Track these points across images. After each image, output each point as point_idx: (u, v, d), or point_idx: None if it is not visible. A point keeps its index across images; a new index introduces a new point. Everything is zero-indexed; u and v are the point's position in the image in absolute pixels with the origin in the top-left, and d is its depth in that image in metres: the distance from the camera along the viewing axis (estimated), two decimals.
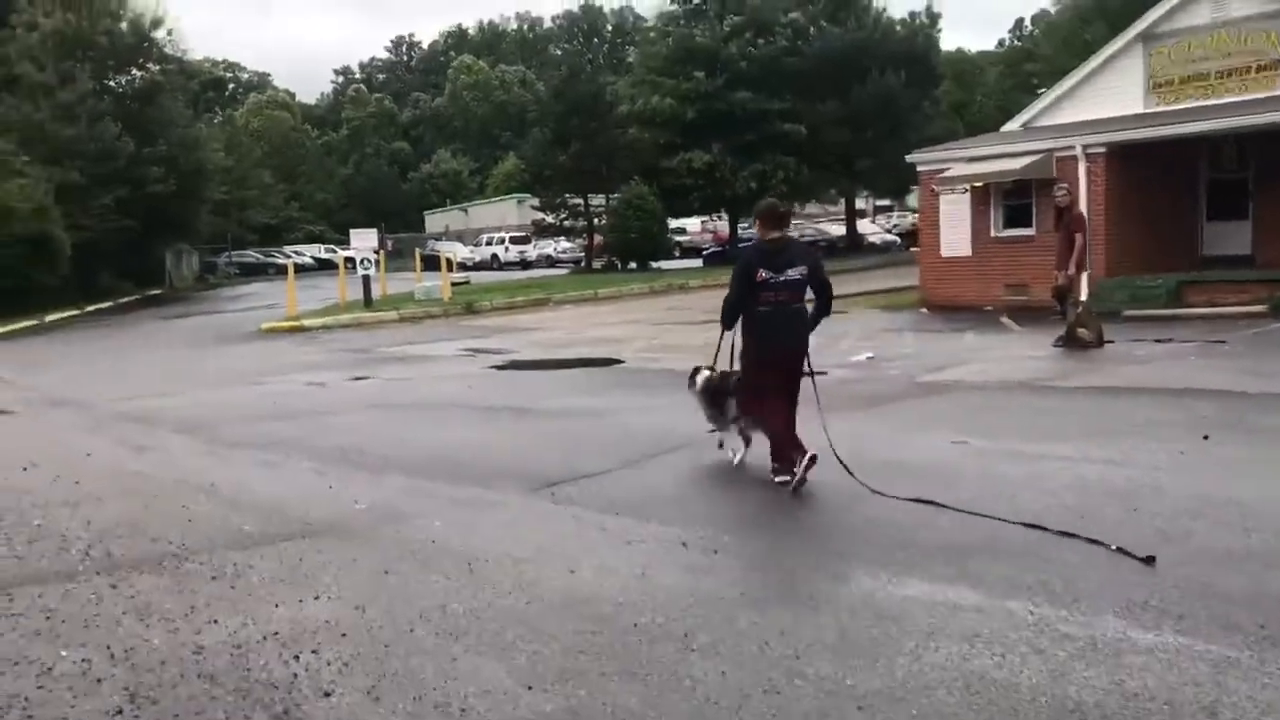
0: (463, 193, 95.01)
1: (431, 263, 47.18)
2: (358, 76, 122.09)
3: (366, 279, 29.60)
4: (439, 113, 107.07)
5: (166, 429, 12.00)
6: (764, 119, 38.39)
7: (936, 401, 11.39)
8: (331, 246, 74.00)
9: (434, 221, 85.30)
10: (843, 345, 16.83)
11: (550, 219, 41.94)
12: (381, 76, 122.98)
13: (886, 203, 66.24)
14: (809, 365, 7.71)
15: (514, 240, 59.75)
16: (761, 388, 7.66)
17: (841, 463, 7.41)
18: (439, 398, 13.51)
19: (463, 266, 51.90)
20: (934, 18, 40.60)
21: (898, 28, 40.86)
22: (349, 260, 33.87)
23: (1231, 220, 21.33)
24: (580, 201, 41.54)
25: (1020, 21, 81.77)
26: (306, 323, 27.08)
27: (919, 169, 23.33)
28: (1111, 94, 21.89)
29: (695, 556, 6.12)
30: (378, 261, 31.30)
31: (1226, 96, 20.41)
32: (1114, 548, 5.71)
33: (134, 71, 47.53)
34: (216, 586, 5.91)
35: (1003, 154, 21.50)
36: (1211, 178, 21.69)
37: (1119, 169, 20.07)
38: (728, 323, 7.82)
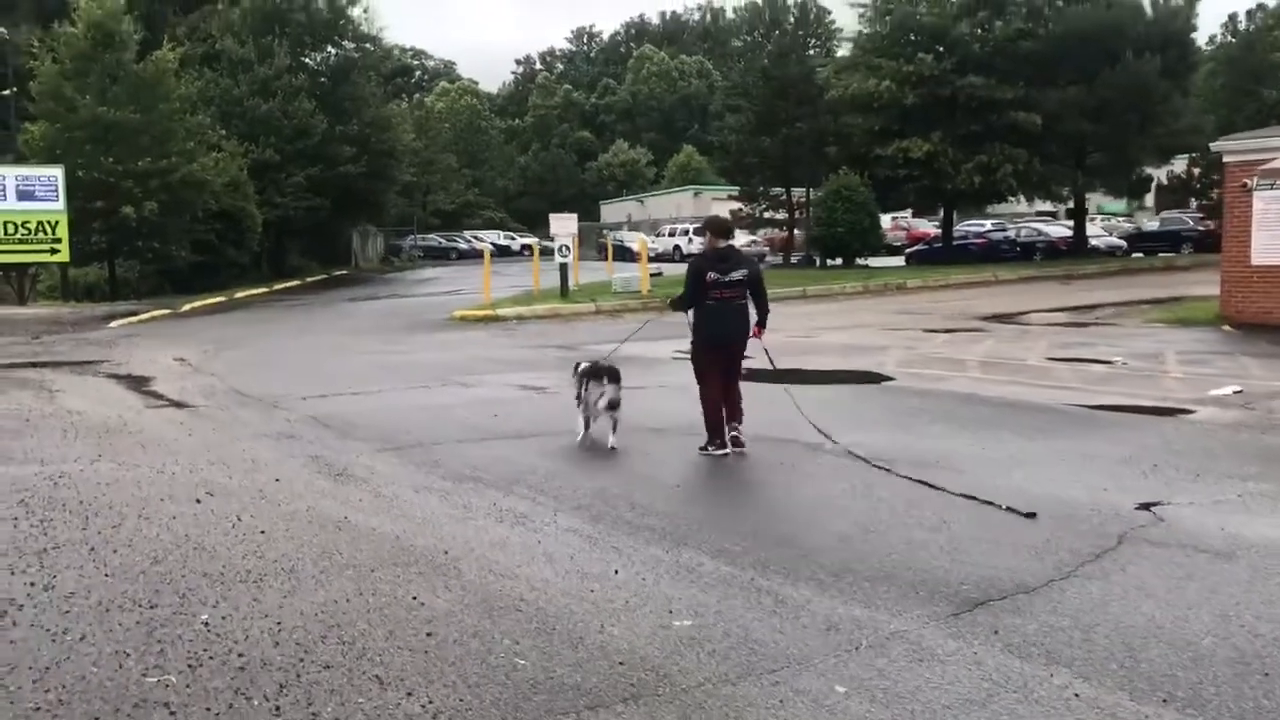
0: (639, 183, 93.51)
1: (614, 252, 45.09)
2: (538, 66, 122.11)
3: (564, 267, 27.44)
4: (621, 102, 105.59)
5: (369, 444, 9.76)
6: (992, 107, 34.61)
7: None
8: (510, 233, 73.29)
9: (609, 211, 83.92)
10: (1172, 371, 13.58)
11: (749, 210, 39.09)
12: (561, 66, 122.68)
13: (1061, 206, 61.34)
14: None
15: (697, 232, 57.27)
16: (703, 369, 9.32)
17: None
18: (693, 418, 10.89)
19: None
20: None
21: (1148, 8, 36.33)
22: (522, 246, 31.69)
23: None
24: (782, 191, 38.58)
25: (1234, 17, 74.61)
26: (501, 312, 25.07)
27: (1225, 159, 19.63)
28: None
29: None
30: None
31: None
32: None
33: (329, 49, 46.88)
34: None
35: None
36: None
37: None
38: (684, 308, 9.53)
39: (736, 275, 9.08)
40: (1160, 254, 41.04)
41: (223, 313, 28.54)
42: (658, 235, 58.66)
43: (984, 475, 7.97)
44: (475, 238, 68.44)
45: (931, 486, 7.62)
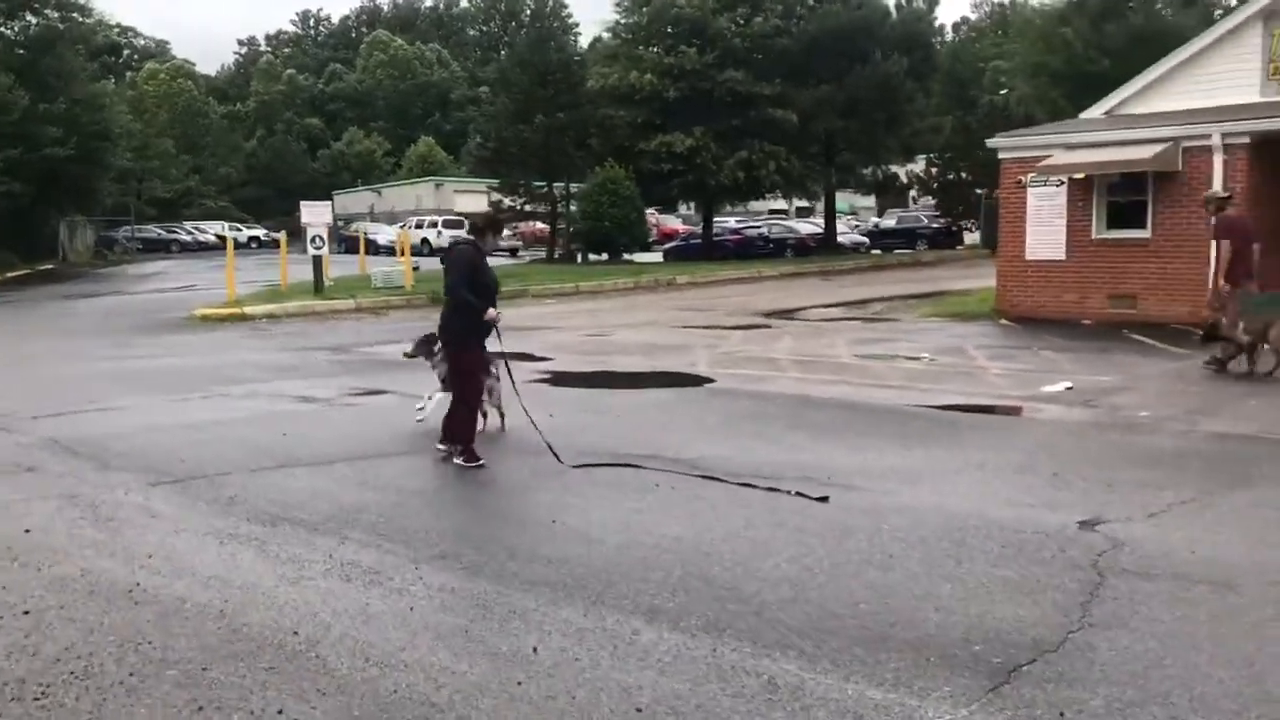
0: (375, 173, 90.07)
1: (352, 245, 42.61)
2: (263, 49, 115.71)
3: (318, 260, 25.16)
4: (353, 90, 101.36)
5: (137, 477, 7.91)
6: (751, 102, 34.74)
7: None
8: (236, 224, 68.53)
9: (346, 202, 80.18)
10: (988, 367, 13.40)
11: (510, 202, 37.66)
12: (288, 50, 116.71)
13: (805, 204, 63.89)
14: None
15: (447, 225, 55.34)
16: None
17: None
18: (524, 432, 9.56)
19: (390, 251, 47.50)
20: (932, 3, 37.34)
21: (892, 10, 37.52)
22: (250, 238, 29.28)
23: None
24: (544, 184, 37.41)
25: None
26: (249, 310, 22.67)
27: (1001, 156, 19.97)
28: (1219, 80, 18.79)
29: None
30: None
31: None
32: None
33: (28, 16, 41.83)
34: None
35: (1113, 142, 18.28)
36: None
37: (1258, 164, 17.02)
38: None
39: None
40: (897, 250, 42.68)
41: None
42: (403, 227, 56.28)
43: (885, 493, 7.12)
44: (198, 229, 63.62)
45: (845, 510, 6.69)
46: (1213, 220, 13.81)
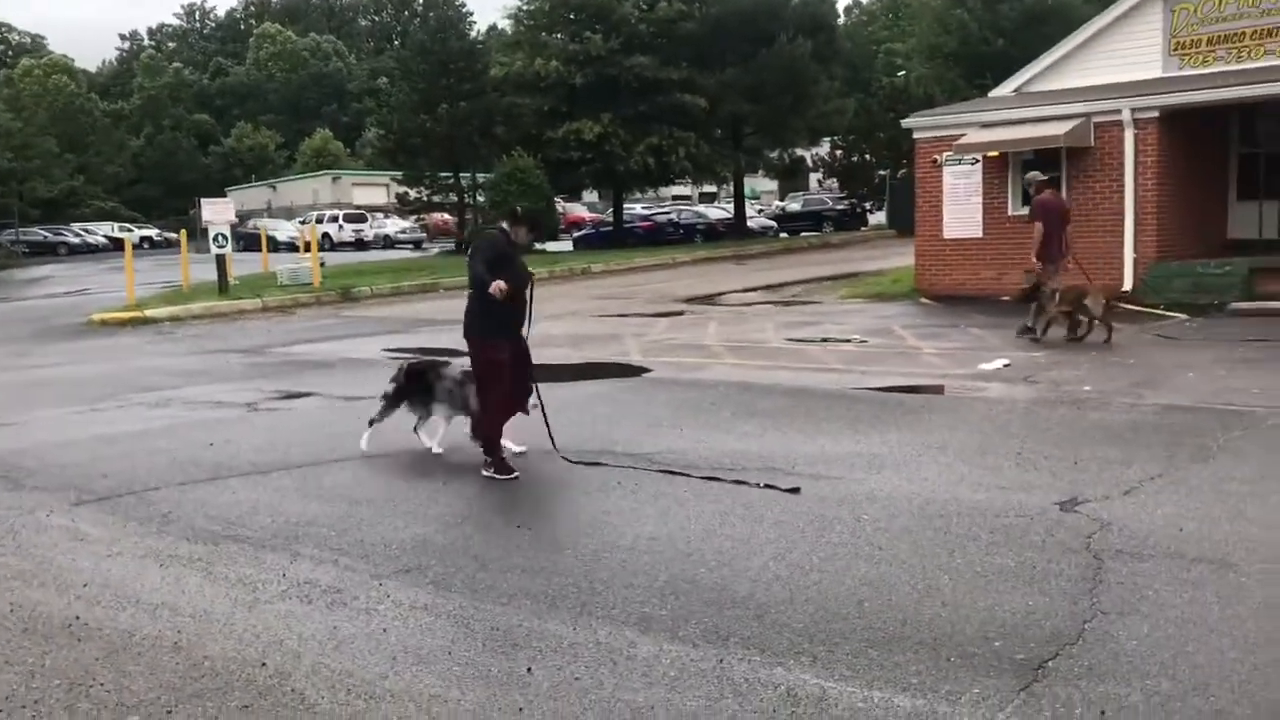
0: (269, 168, 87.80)
1: (251, 242, 41.39)
2: (147, 43, 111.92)
3: (221, 259, 24.19)
4: (243, 84, 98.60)
5: (57, 495, 7.37)
6: (658, 88, 34.49)
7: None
8: (126, 225, 66.21)
9: (240, 198, 77.89)
10: (921, 346, 13.39)
11: (415, 194, 36.83)
12: (173, 44, 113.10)
13: (710, 189, 64.18)
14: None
15: (348, 219, 54.21)
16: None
17: None
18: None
19: (290, 247, 46.37)
20: None
21: None
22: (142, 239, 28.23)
23: (1256, 201, 19.00)
24: (450, 175, 36.65)
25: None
26: (151, 313, 21.72)
27: (915, 136, 20.05)
28: (1124, 56, 19.13)
29: None
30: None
31: (1265, 59, 17.92)
32: None
33: None
34: None
35: (1027, 119, 18.45)
36: (1239, 153, 19.30)
37: (1167, 138, 17.34)
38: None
39: None
40: (805, 233, 42.89)
41: None
42: (304, 222, 54.92)
43: (853, 481, 6.95)
44: (86, 230, 61.27)
45: (818, 500, 6.49)
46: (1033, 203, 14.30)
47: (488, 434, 7.57)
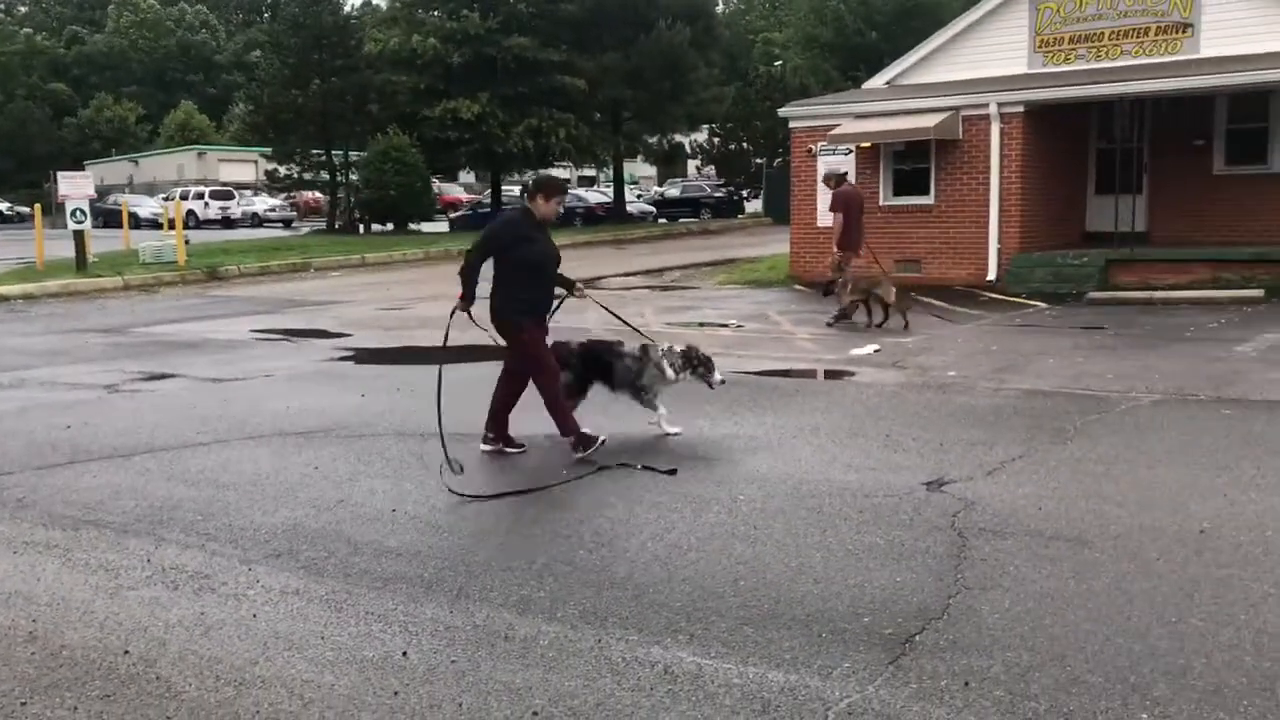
0: (130, 141, 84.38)
1: (112, 219, 39.84)
2: None
3: (79, 235, 23.15)
4: (102, 53, 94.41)
5: None
6: (538, 69, 34.28)
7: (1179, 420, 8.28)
8: None
9: (99, 173, 74.52)
10: (795, 332, 13.64)
11: (286, 171, 35.87)
12: (24, 8, 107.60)
13: (589, 173, 64.28)
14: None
15: (215, 195, 52.56)
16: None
17: None
18: (339, 414, 9.00)
19: (154, 224, 44.73)
20: None
21: None
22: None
23: (1112, 195, 19.84)
24: (322, 152, 35.80)
25: None
26: (2, 290, 20.70)
27: (791, 125, 20.39)
28: (991, 52, 19.79)
29: None
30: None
31: (1122, 59, 18.75)
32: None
33: None
34: None
35: (899, 111, 18.92)
36: (1097, 148, 20.13)
37: (1031, 132, 18.00)
38: None
39: None
40: (683, 219, 43.23)
41: None
42: (167, 198, 53.03)
43: (730, 463, 7.07)
44: None
45: (695, 482, 6.57)
46: (831, 194, 15.15)
47: (561, 415, 7.25)
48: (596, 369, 7.96)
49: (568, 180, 65.93)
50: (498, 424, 7.49)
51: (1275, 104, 18.18)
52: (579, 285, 7.70)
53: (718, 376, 7.90)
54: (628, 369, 7.81)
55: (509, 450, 7.45)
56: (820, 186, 19.80)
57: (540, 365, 7.29)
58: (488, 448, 7.46)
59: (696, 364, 7.83)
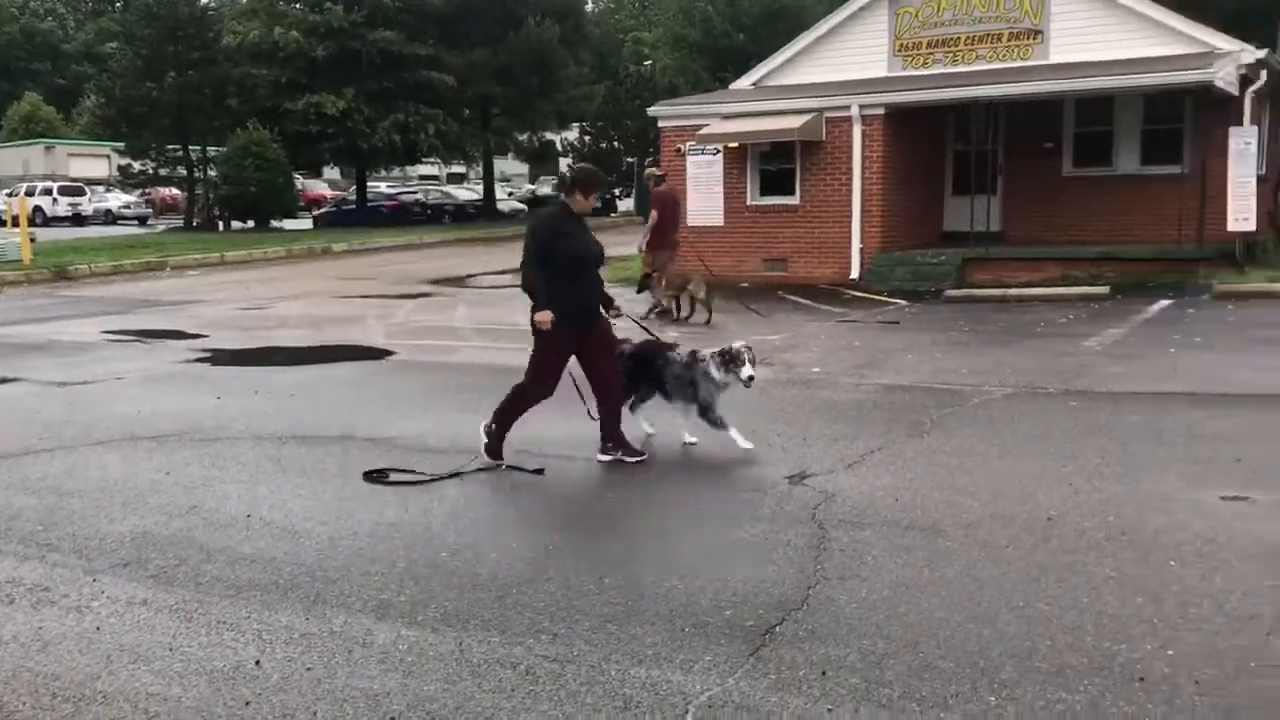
0: None
1: None
2: None
3: None
4: None
5: None
6: (404, 64, 33.73)
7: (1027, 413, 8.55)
8: None
9: None
10: (666, 331, 13.72)
11: (140, 166, 34.51)
12: None
13: (461, 170, 63.79)
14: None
15: (64, 191, 50.23)
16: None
17: None
18: (198, 418, 8.68)
19: None
20: None
21: None
22: None
23: (968, 195, 20.52)
24: (178, 147, 34.55)
25: None
26: None
27: (660, 124, 20.50)
28: (853, 55, 20.28)
29: None
30: None
31: (976, 64, 19.41)
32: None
33: None
34: None
35: (765, 112, 19.20)
36: (954, 150, 20.78)
37: (891, 134, 18.47)
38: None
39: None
40: None
41: None
42: (12, 194, 50.47)
43: (598, 462, 7.04)
44: None
45: (563, 481, 6.54)
46: (651, 193, 15.85)
47: (611, 426, 6.99)
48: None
49: (436, 177, 65.26)
50: (610, 434, 7.07)
51: (1119, 108, 19.04)
52: (616, 304, 7.26)
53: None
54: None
55: (627, 459, 6.94)
56: (690, 185, 20.06)
57: (537, 374, 7.00)
58: (605, 458, 7.01)
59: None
